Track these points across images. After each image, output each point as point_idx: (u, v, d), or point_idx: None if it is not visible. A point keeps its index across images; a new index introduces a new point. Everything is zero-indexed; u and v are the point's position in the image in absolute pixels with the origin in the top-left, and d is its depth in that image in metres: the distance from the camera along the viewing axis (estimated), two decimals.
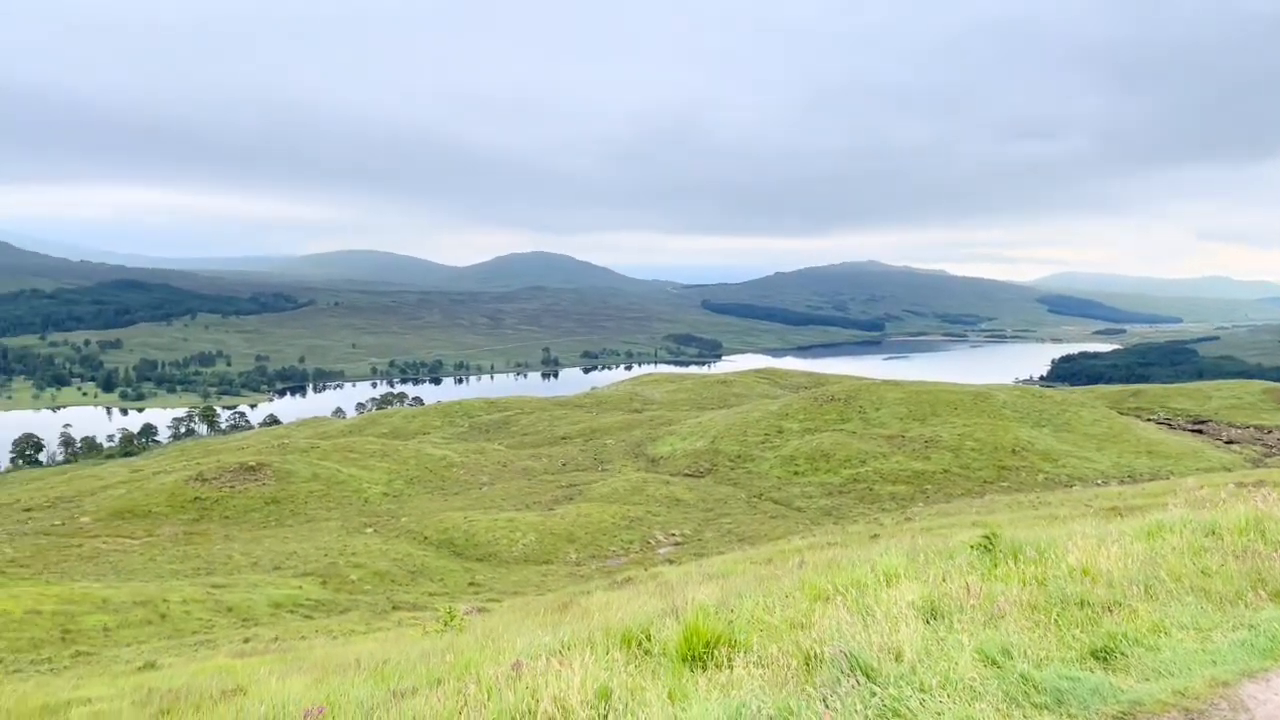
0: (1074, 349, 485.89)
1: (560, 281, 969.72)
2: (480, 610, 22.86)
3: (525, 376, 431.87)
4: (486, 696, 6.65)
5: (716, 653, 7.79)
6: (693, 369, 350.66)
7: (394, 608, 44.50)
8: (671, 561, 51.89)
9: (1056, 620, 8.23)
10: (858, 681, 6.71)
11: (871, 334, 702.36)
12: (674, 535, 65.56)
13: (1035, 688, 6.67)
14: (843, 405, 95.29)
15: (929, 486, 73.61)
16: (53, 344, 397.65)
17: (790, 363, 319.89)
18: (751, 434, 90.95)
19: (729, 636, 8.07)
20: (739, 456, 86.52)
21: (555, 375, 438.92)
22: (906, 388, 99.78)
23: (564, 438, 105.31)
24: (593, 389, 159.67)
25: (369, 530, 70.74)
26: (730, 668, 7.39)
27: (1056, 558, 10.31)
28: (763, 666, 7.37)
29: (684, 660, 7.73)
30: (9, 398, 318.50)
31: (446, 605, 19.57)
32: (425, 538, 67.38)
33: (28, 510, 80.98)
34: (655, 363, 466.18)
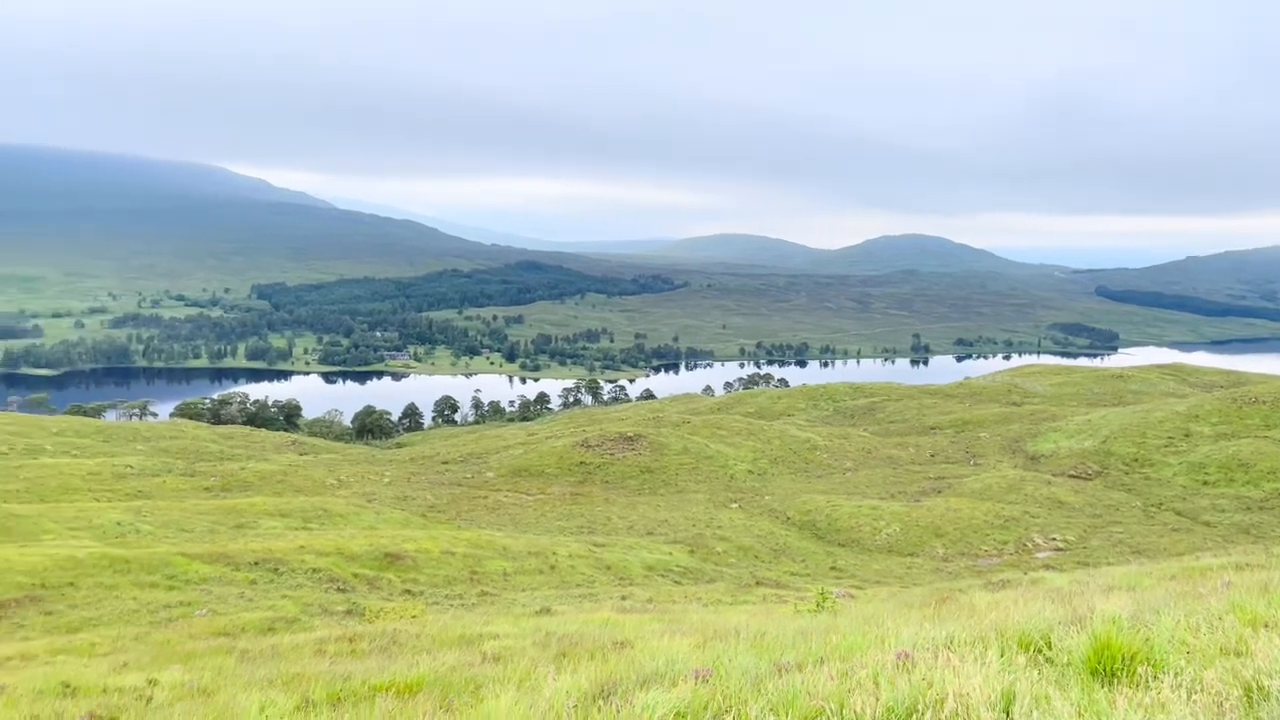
0: None
1: (935, 265, 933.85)
2: (848, 596, 22.65)
3: (893, 362, 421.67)
4: (874, 682, 6.43)
5: (1132, 670, 6.97)
6: (1082, 361, 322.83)
7: (757, 583, 45.43)
8: (1051, 567, 48.18)
9: None
10: None
11: None
12: (1054, 540, 60.82)
13: None
14: (1269, 409, 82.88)
15: None
16: (468, 318, 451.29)
17: (1202, 358, 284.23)
18: (1152, 436, 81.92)
19: (1146, 654, 7.20)
20: (1135, 460, 78.34)
21: (925, 363, 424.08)
22: None
23: (933, 428, 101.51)
24: (966, 379, 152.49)
25: (734, 505, 72.86)
26: (1149, 688, 6.57)
27: None
28: (1191, 692, 6.47)
29: (1093, 673, 7.01)
30: (432, 364, 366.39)
31: (819, 587, 19.55)
32: (788, 518, 68.16)
33: (445, 463, 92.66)
34: (1038, 353, 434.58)
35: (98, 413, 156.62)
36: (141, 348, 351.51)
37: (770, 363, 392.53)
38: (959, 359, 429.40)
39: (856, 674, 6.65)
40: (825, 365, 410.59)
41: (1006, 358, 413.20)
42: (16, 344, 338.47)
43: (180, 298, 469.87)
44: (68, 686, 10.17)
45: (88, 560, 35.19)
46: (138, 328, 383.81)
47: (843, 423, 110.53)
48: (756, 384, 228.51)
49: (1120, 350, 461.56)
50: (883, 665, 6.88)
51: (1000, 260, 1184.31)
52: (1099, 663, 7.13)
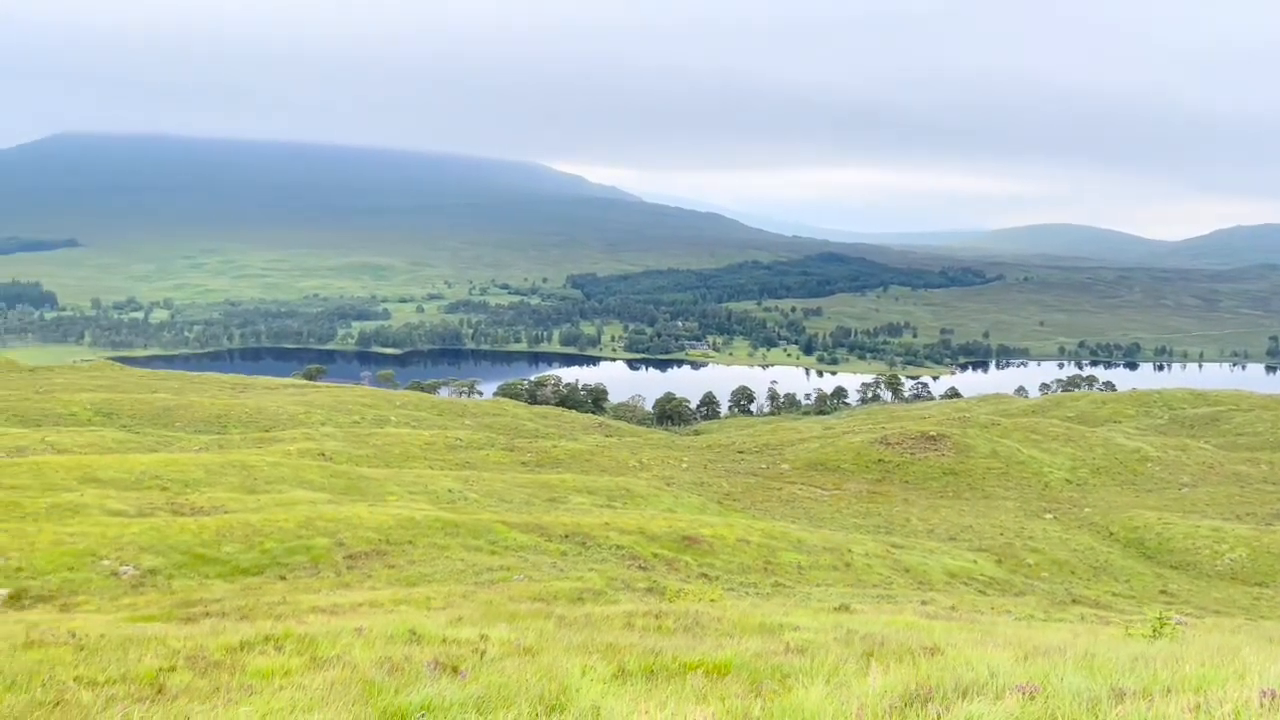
0: None
1: None
2: (1183, 623, 20.42)
3: (1244, 368, 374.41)
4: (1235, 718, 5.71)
5: None
6: None
7: (1073, 601, 42.16)
8: None
9: None
10: None
11: None
12: None
13: None
14: None
15: None
16: (766, 309, 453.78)
17: None
18: None
19: None
20: None
21: None
22: None
23: None
24: None
25: (1048, 516, 68.09)
26: None
27: None
28: None
29: None
30: (730, 354, 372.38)
31: (1155, 610, 17.78)
32: (1110, 533, 62.75)
33: (740, 452, 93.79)
34: None
35: (433, 389, 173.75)
36: (470, 331, 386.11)
37: (1094, 364, 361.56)
38: None
39: (1215, 709, 5.93)
40: (1160, 368, 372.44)
41: None
42: (369, 325, 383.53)
43: (504, 286, 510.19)
44: (414, 634, 11.35)
45: (424, 522, 39.10)
46: (468, 313, 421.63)
47: (1179, 433, 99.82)
48: (1077, 386, 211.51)
49: None
50: (1246, 702, 6.10)
51: None
52: None
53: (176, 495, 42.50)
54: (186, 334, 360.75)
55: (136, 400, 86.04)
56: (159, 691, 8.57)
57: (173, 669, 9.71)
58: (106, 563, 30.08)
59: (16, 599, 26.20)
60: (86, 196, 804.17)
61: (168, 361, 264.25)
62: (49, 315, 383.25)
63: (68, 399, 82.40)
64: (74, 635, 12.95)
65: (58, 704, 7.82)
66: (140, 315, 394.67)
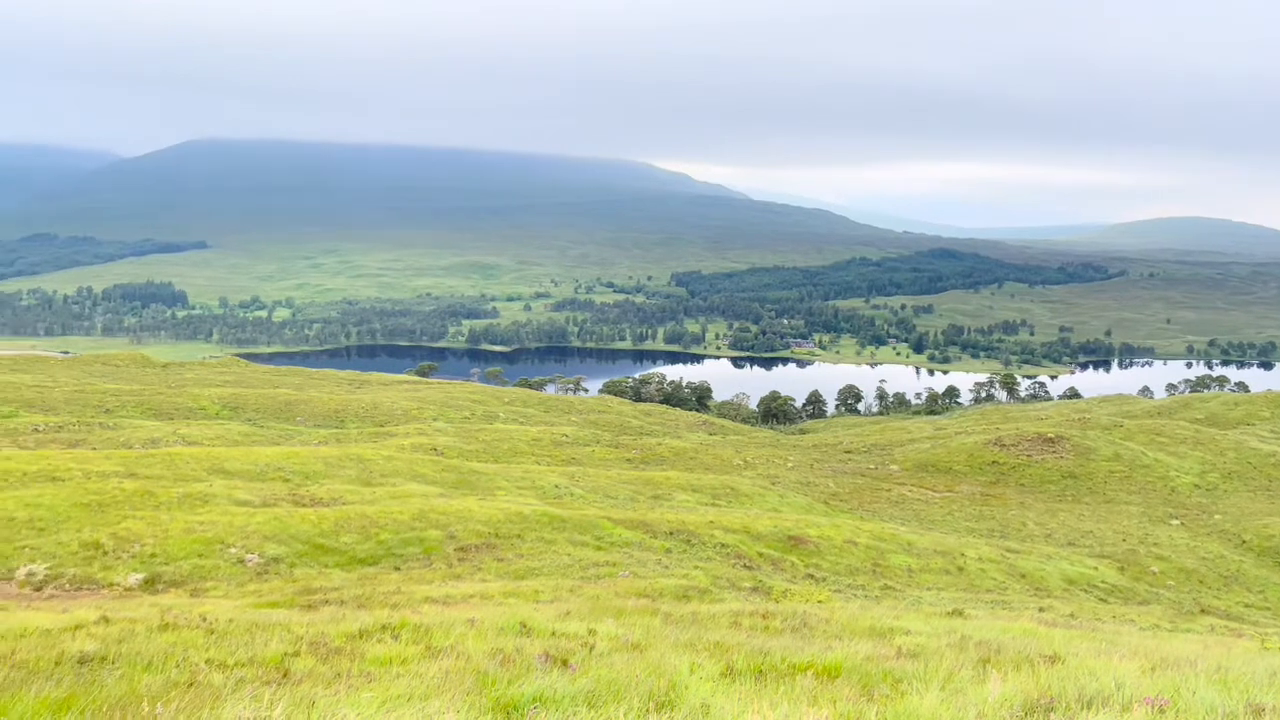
0: None
1: None
2: None
3: None
4: None
5: None
6: None
7: (1202, 611, 40.20)
8: None
9: None
10: None
11: None
12: None
13: None
14: None
15: None
16: (874, 307, 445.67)
17: None
18: None
19: None
20: None
21: None
22: None
23: None
24: None
25: (1174, 522, 65.06)
26: None
27: None
28: None
29: None
30: (837, 352, 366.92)
31: None
32: (1243, 541, 59.59)
33: (848, 452, 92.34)
34: None
35: (540, 386, 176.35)
36: (576, 329, 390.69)
37: (1225, 363, 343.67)
38: None
39: None
40: None
41: None
42: (479, 324, 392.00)
43: (610, 284, 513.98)
44: (524, 627, 11.55)
45: (532, 516, 39.73)
46: (574, 311, 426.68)
47: None
48: (1207, 386, 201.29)
49: None
50: None
51: None
52: None
53: (298, 487, 44.21)
54: (307, 332, 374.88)
55: (261, 395, 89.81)
56: (284, 675, 8.91)
57: (297, 654, 10.11)
58: (233, 550, 31.52)
59: (151, 584, 27.71)
60: (215, 200, 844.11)
61: (289, 358, 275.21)
62: (180, 314, 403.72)
63: (197, 393, 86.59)
64: (205, 619, 13.62)
65: (191, 685, 8.22)
66: (264, 314, 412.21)
